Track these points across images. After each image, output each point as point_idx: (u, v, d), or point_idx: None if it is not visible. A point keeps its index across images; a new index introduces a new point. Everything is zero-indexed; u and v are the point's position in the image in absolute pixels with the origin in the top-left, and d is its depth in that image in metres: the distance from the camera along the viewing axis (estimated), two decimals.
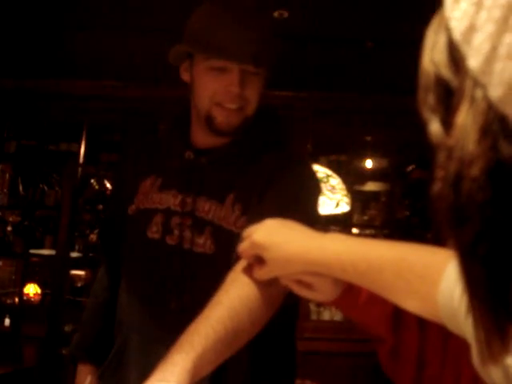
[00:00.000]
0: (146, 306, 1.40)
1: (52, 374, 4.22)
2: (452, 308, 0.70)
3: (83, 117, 4.75)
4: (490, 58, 0.33)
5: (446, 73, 0.35)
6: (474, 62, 0.34)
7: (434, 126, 0.36)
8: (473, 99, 0.33)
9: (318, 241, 0.89)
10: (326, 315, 4.58)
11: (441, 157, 0.36)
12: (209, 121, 1.40)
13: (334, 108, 4.63)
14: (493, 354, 0.37)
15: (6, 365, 3.73)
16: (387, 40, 3.88)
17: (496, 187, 0.32)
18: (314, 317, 4.58)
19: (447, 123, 0.35)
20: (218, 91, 1.37)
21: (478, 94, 0.33)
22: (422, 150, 4.71)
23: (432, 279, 0.74)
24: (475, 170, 0.33)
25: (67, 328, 4.43)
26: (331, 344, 4.36)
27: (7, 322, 4.55)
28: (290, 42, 3.73)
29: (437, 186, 0.36)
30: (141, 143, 1.64)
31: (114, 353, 1.45)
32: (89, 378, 1.31)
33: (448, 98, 0.35)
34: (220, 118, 1.39)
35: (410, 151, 4.90)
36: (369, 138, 4.98)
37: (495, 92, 0.32)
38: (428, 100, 0.37)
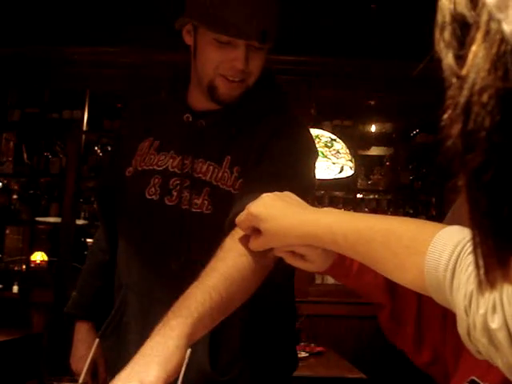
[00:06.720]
0: (146, 267, 1.42)
1: (60, 339, 4.28)
2: (437, 279, 0.70)
3: (86, 84, 4.73)
4: None
5: (463, 9, 0.37)
6: None
7: (448, 60, 0.38)
8: (487, 32, 0.35)
9: (312, 215, 0.92)
10: (331, 279, 4.61)
11: (452, 88, 0.37)
12: (211, 89, 1.41)
13: (338, 72, 4.60)
14: (491, 280, 0.39)
15: (15, 330, 3.78)
16: (391, 3, 3.83)
17: (504, 114, 0.34)
18: (318, 280, 4.62)
19: (461, 56, 0.37)
20: (223, 64, 1.37)
21: (493, 27, 0.34)
22: (426, 115, 4.69)
23: (419, 250, 0.74)
24: (485, 97, 0.34)
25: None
26: (335, 307, 4.40)
27: (15, 288, 4.61)
28: (293, 4, 3.68)
29: (447, 114, 0.38)
30: (139, 106, 1.64)
31: (113, 313, 1.47)
32: (97, 341, 1.34)
33: (463, 33, 0.37)
34: (223, 89, 1.40)
35: (414, 115, 4.88)
36: (373, 103, 4.95)
37: (509, 27, 0.34)
38: (444, 36, 0.38)
